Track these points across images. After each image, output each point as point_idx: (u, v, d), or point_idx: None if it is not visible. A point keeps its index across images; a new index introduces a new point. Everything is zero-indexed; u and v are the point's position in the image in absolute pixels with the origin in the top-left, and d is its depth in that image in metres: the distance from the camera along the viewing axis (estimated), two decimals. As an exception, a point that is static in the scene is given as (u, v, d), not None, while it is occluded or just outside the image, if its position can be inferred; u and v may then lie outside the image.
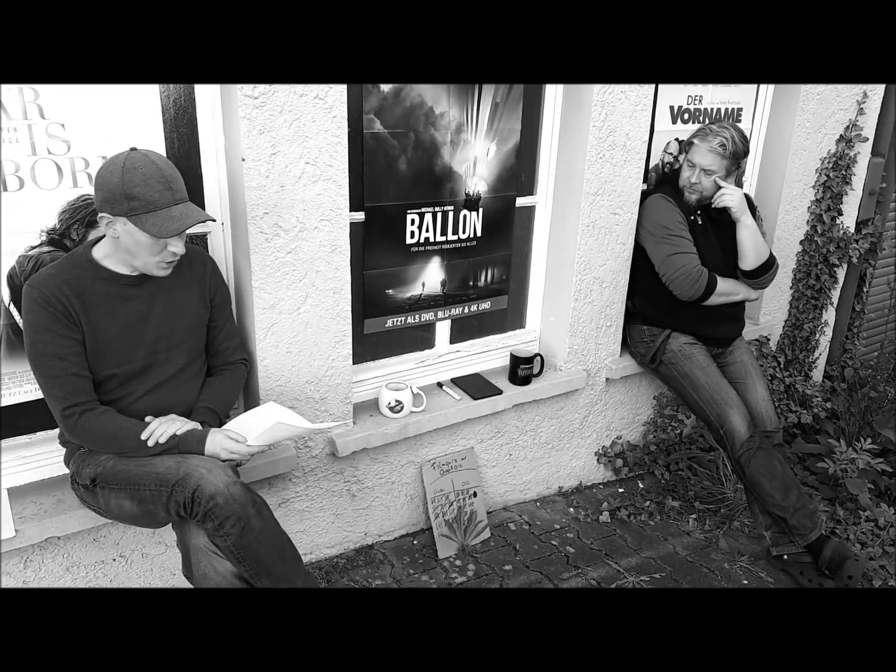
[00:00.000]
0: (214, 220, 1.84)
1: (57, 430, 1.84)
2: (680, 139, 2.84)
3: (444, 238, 2.42)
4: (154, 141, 1.83)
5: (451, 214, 2.40)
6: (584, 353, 2.75)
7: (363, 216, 2.22)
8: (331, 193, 2.00)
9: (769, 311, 3.34)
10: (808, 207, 3.24)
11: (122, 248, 1.60)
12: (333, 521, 2.40)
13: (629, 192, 2.59)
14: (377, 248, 2.29)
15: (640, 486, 2.99)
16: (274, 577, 1.64)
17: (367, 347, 2.43)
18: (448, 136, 2.29)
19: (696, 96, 2.83)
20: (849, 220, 3.39)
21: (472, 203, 2.43)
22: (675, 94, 2.77)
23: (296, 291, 2.04)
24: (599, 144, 2.44)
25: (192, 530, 1.61)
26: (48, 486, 1.93)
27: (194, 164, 1.91)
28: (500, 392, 2.55)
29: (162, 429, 1.65)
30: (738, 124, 2.76)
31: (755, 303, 3.13)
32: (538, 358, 2.65)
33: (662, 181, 2.81)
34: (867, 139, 3.25)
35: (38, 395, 1.79)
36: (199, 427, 1.70)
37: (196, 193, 1.91)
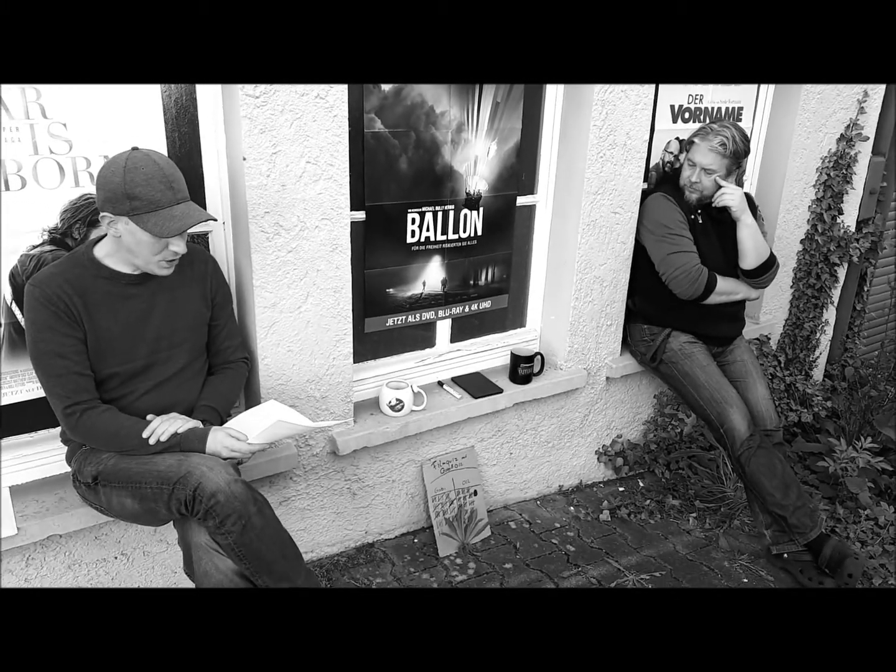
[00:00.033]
0: (216, 220, 1.84)
1: (58, 429, 1.84)
2: (680, 138, 2.84)
3: (444, 237, 2.42)
4: (155, 140, 1.84)
5: (451, 213, 2.40)
6: (584, 351, 2.75)
7: (364, 215, 2.23)
8: (331, 192, 2.01)
9: (770, 310, 3.34)
10: (809, 206, 3.24)
11: (123, 247, 1.60)
12: (334, 519, 2.40)
13: (629, 191, 2.60)
14: (378, 248, 2.30)
15: (641, 484, 2.99)
16: (275, 574, 1.65)
17: (368, 346, 2.44)
18: (449, 135, 2.30)
19: (696, 95, 2.83)
20: (849, 219, 3.39)
21: (472, 202, 2.43)
22: (676, 93, 2.77)
23: (297, 290, 2.04)
24: (600, 143, 2.45)
25: (194, 528, 1.62)
26: (50, 485, 1.94)
27: (195, 163, 1.92)
28: (500, 391, 2.56)
29: (163, 427, 1.65)
30: (739, 123, 2.76)
31: (756, 302, 3.14)
32: (538, 357, 2.66)
33: (663, 180, 2.82)
34: (868, 138, 3.25)
35: (40, 393, 1.80)
36: (201, 425, 1.70)
37: (197, 193, 1.92)
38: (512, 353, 2.63)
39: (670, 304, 2.59)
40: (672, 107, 2.78)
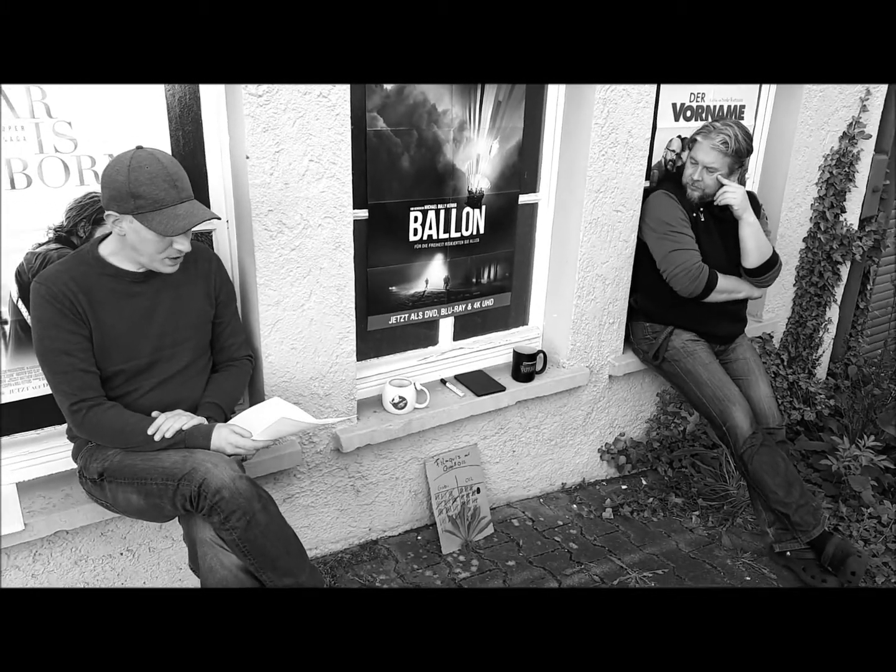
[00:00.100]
0: (220, 219, 1.86)
1: (65, 426, 1.85)
2: (682, 136, 2.85)
3: (447, 235, 2.43)
4: (159, 139, 1.85)
5: (454, 212, 2.41)
6: (586, 350, 2.76)
7: (366, 213, 2.24)
8: (334, 191, 2.02)
9: (772, 309, 3.34)
10: (812, 205, 3.24)
11: (128, 245, 1.62)
12: (338, 516, 2.42)
13: (632, 189, 2.60)
14: (380, 246, 2.31)
15: (644, 482, 3.00)
16: (279, 570, 1.66)
17: (371, 344, 2.45)
18: (451, 133, 2.31)
19: (698, 94, 2.83)
20: (852, 217, 3.39)
21: (474, 200, 2.44)
22: (678, 91, 2.77)
23: (300, 288, 2.05)
24: (602, 142, 2.45)
25: (199, 524, 1.63)
26: (56, 481, 1.96)
27: (199, 162, 1.93)
28: (503, 389, 2.57)
29: (168, 424, 1.67)
30: (742, 122, 2.77)
31: (758, 300, 3.14)
32: (541, 355, 2.66)
33: (665, 178, 2.82)
34: (870, 136, 3.25)
35: (46, 390, 1.82)
36: (205, 422, 1.72)
37: (201, 191, 1.93)
38: (514, 351, 2.64)
39: (672, 301, 2.60)
40: (674, 105, 2.79)
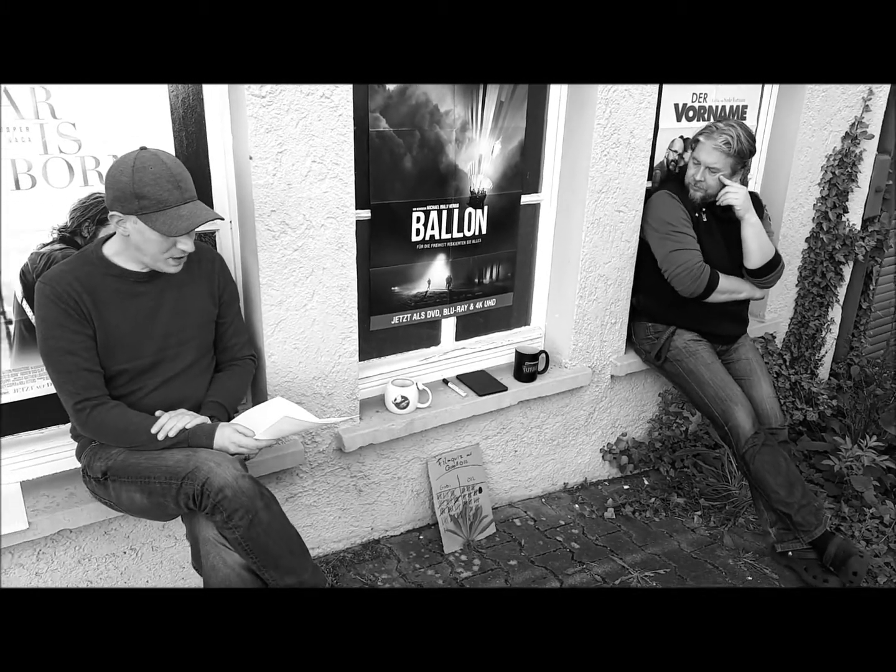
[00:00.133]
0: (223, 219, 1.87)
1: (69, 425, 1.87)
2: (685, 137, 2.85)
3: (449, 236, 2.44)
4: (163, 140, 1.86)
5: (456, 212, 2.42)
6: (588, 350, 2.76)
7: (369, 214, 2.25)
8: (337, 191, 2.03)
9: (775, 309, 3.34)
10: (814, 205, 3.24)
11: (132, 245, 1.63)
12: (340, 515, 2.42)
13: (634, 189, 2.61)
14: (383, 246, 2.31)
15: (646, 482, 3.00)
16: (281, 569, 1.67)
17: (374, 344, 2.46)
18: (453, 134, 2.31)
19: (700, 94, 2.83)
20: (855, 217, 3.39)
21: (477, 201, 2.45)
22: (680, 91, 2.78)
23: (303, 288, 2.06)
24: (604, 142, 2.46)
25: (202, 523, 1.64)
26: (60, 480, 1.97)
27: (202, 162, 1.94)
28: (505, 389, 2.57)
29: (171, 423, 1.67)
30: (744, 122, 2.77)
31: (761, 300, 3.14)
32: (543, 355, 2.67)
33: (667, 178, 2.82)
34: (873, 136, 3.25)
35: (51, 390, 1.82)
36: (209, 421, 1.72)
37: (204, 192, 1.94)
38: (517, 351, 2.64)
39: (674, 301, 2.60)
40: (676, 105, 2.79)
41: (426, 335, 2.58)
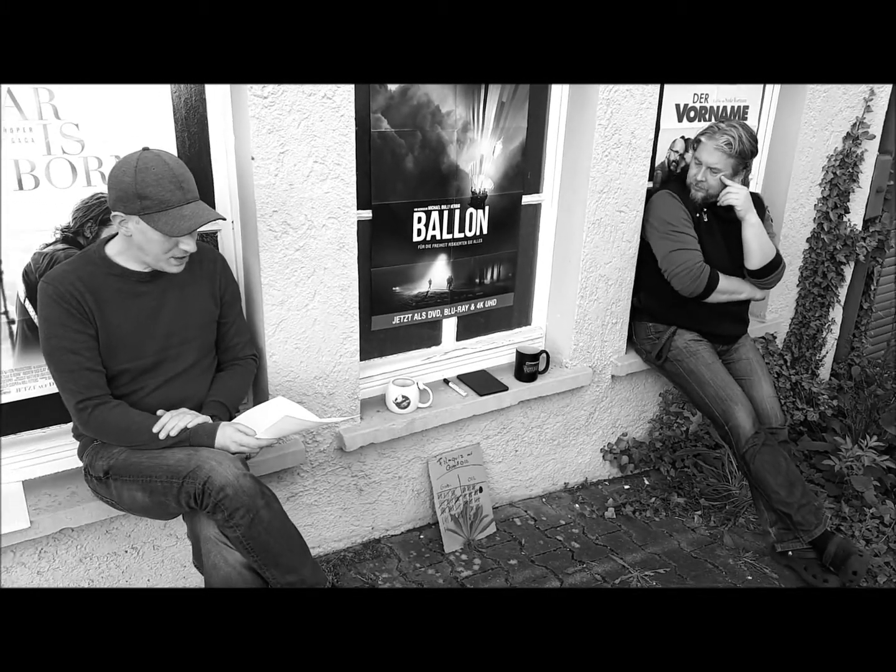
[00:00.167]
0: (224, 219, 1.87)
1: (71, 424, 1.87)
2: (686, 137, 2.85)
3: (450, 236, 2.44)
4: (165, 140, 1.87)
5: (457, 212, 2.42)
6: (589, 350, 2.77)
7: (370, 214, 2.25)
8: (338, 192, 2.03)
9: (776, 309, 3.34)
10: (815, 205, 3.25)
11: (134, 245, 1.63)
12: (341, 515, 2.43)
13: (635, 189, 2.61)
14: (384, 246, 2.32)
15: (646, 482, 3.00)
16: (282, 567, 1.68)
17: (375, 344, 2.46)
18: (454, 134, 2.32)
19: (702, 94, 2.84)
20: (856, 217, 3.39)
21: (478, 201, 2.45)
22: (681, 92, 2.78)
23: (304, 288, 2.07)
24: (605, 142, 2.46)
25: (203, 521, 1.65)
26: (62, 479, 1.97)
27: (205, 163, 1.95)
28: (505, 388, 2.58)
29: (173, 422, 1.68)
30: (747, 123, 2.77)
31: (762, 300, 3.14)
32: (544, 355, 2.67)
33: (668, 179, 2.83)
34: (874, 136, 3.25)
35: (52, 389, 1.83)
36: (210, 421, 1.73)
37: (206, 192, 1.95)
38: (517, 351, 2.65)
39: (674, 301, 2.60)
40: (677, 105, 2.80)
41: (427, 335, 2.59)
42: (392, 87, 2.15)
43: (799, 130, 3.01)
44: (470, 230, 2.48)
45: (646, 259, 2.70)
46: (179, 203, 1.57)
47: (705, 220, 2.60)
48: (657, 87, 2.55)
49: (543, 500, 2.87)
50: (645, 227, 2.68)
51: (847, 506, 2.78)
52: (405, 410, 2.38)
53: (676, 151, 2.87)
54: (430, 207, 2.36)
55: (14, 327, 1.82)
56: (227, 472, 1.58)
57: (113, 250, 1.68)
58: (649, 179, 2.70)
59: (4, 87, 1.63)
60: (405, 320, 2.46)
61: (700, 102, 2.85)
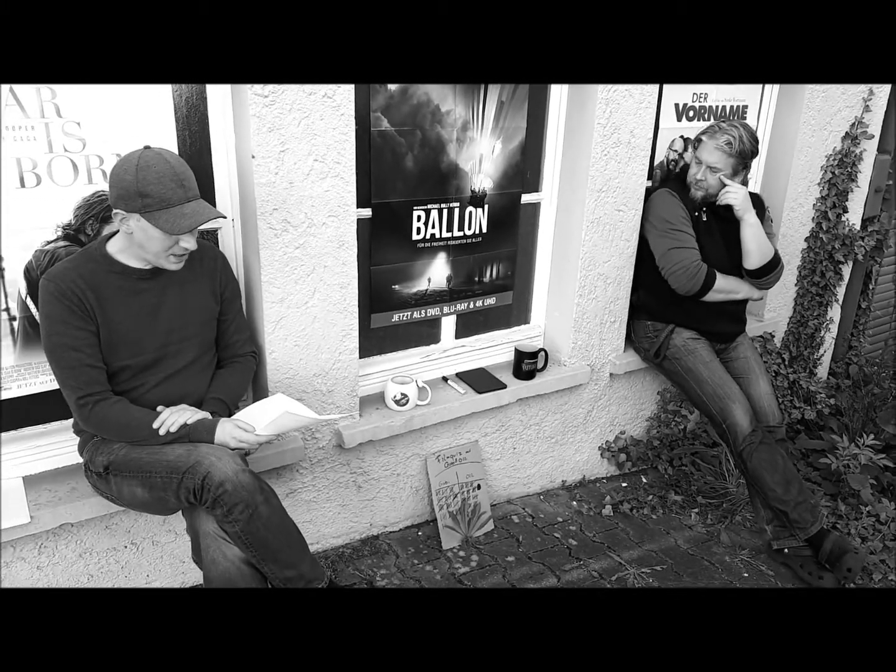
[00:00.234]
0: (225, 217, 1.88)
1: (71, 420, 1.88)
2: (685, 136, 2.86)
3: (449, 234, 2.45)
4: (166, 139, 1.87)
5: (456, 211, 2.43)
6: (588, 348, 2.78)
7: (370, 212, 2.26)
8: (338, 190, 2.04)
9: (774, 308, 3.35)
10: (814, 204, 3.25)
11: (135, 242, 1.64)
12: (340, 511, 2.44)
13: (633, 188, 2.62)
14: (384, 244, 2.33)
15: (644, 480, 3.02)
16: (280, 562, 1.69)
17: (374, 342, 2.47)
18: (454, 133, 2.32)
19: (701, 94, 2.84)
20: (854, 217, 3.40)
21: (477, 200, 2.46)
22: (681, 91, 2.79)
23: (304, 286, 2.08)
24: (604, 142, 2.47)
25: (202, 516, 1.66)
26: (62, 475, 1.99)
27: (205, 161, 1.96)
28: (504, 386, 2.59)
29: (173, 418, 1.69)
30: (748, 123, 2.77)
31: (759, 300, 3.15)
32: (542, 353, 2.68)
33: (667, 178, 2.84)
34: (873, 136, 3.26)
35: (53, 385, 1.85)
36: (210, 417, 1.74)
37: (207, 190, 1.96)
38: (516, 349, 2.66)
39: (672, 299, 2.61)
40: (676, 105, 2.80)
41: (426, 333, 2.60)
42: (392, 86, 2.16)
43: (798, 130, 3.02)
44: (469, 229, 2.49)
45: (645, 257, 2.71)
46: (180, 201, 1.58)
47: (704, 219, 2.61)
48: (656, 86, 2.56)
49: (541, 497, 2.89)
50: (644, 225, 2.69)
51: (843, 504, 2.79)
52: (404, 408, 2.40)
53: (675, 151, 2.88)
54: (429, 206, 2.37)
55: (15, 324, 1.84)
56: (227, 468, 1.59)
57: (114, 248, 1.69)
58: (648, 178, 2.71)
59: (6, 85, 1.64)
60: (404, 318, 2.48)
61: (699, 102, 2.85)
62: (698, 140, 2.56)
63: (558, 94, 2.50)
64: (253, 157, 1.88)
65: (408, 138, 2.24)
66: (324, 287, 2.12)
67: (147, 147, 1.59)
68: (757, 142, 2.52)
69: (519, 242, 2.65)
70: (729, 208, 2.56)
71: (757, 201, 2.67)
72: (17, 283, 1.80)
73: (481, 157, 2.41)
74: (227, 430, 1.69)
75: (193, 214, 1.59)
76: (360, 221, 2.20)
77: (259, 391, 2.19)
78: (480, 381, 2.61)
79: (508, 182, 2.51)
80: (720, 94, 2.90)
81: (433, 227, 2.40)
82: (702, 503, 2.85)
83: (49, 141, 1.73)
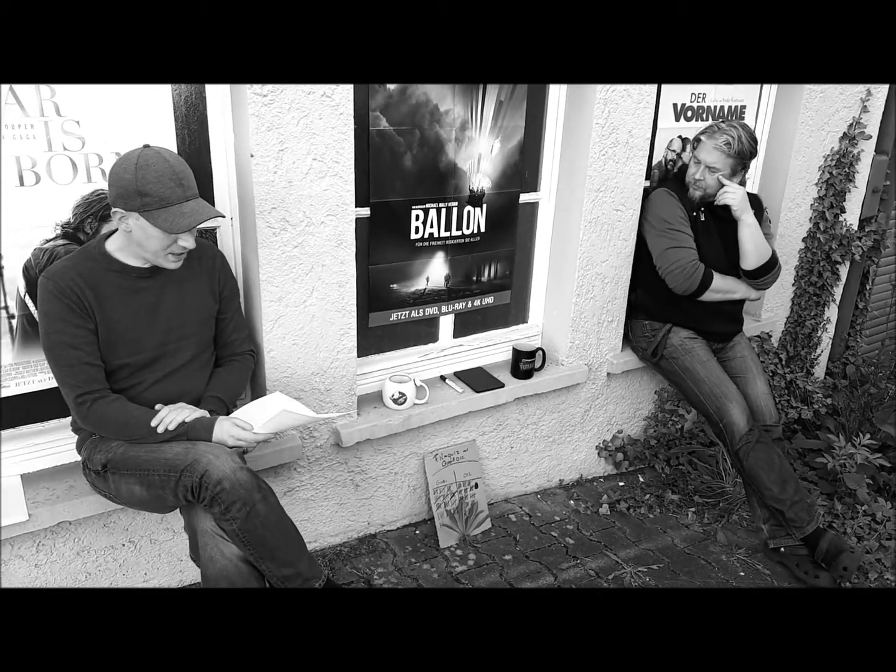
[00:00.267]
0: (224, 217, 1.88)
1: (69, 418, 1.89)
2: (683, 136, 2.87)
3: (448, 234, 2.46)
4: (166, 138, 1.88)
5: (455, 210, 2.44)
6: (585, 347, 2.79)
7: (368, 212, 2.26)
8: (337, 189, 2.04)
9: (771, 308, 3.36)
10: (811, 205, 3.26)
11: (133, 241, 1.65)
12: (337, 510, 2.45)
13: (631, 188, 2.62)
14: (382, 243, 2.33)
15: (641, 479, 3.02)
16: (278, 560, 1.69)
17: (372, 341, 2.48)
18: (453, 133, 2.33)
19: (699, 94, 2.85)
20: (852, 217, 3.41)
21: (476, 199, 2.47)
22: (679, 91, 2.79)
23: (302, 285, 2.08)
24: (602, 141, 2.48)
25: (200, 514, 1.66)
26: (60, 473, 1.99)
27: (204, 160, 1.96)
28: (502, 385, 2.59)
29: (171, 416, 1.70)
30: (747, 124, 2.77)
31: (756, 301, 3.16)
32: (540, 352, 2.69)
33: (665, 178, 2.84)
34: (871, 137, 3.26)
35: (52, 384, 1.85)
36: (208, 415, 1.75)
37: (206, 189, 1.96)
38: (514, 348, 2.67)
39: (669, 298, 2.62)
40: (675, 105, 2.81)
41: (424, 332, 2.61)
42: (391, 85, 2.16)
43: (796, 130, 3.03)
44: (467, 228, 2.49)
45: (643, 256, 2.72)
46: (179, 200, 1.58)
47: (702, 219, 2.61)
48: (654, 86, 2.57)
49: (538, 496, 2.89)
50: (642, 225, 2.69)
51: (840, 503, 2.80)
52: (402, 407, 2.40)
53: (673, 151, 2.88)
54: (427, 205, 2.37)
55: (14, 322, 1.84)
56: (224, 466, 1.60)
57: (113, 246, 1.70)
58: (646, 178, 2.71)
59: (5, 84, 1.64)
60: (402, 317, 2.48)
61: (697, 102, 2.86)
62: (697, 140, 2.56)
63: (557, 94, 2.51)
64: (252, 155, 1.88)
65: (406, 138, 2.25)
66: (322, 286, 2.12)
67: (146, 146, 1.59)
68: (756, 142, 2.52)
69: (517, 242, 2.66)
70: (727, 208, 2.57)
71: (755, 202, 2.67)
72: (15, 281, 1.81)
73: (480, 157, 2.42)
74: (225, 429, 1.70)
75: (192, 214, 1.59)
76: (358, 220, 2.20)
77: (257, 390, 2.19)
78: (478, 380, 2.62)
79: (507, 182, 2.51)
80: (718, 95, 2.91)
81: (431, 226, 2.41)
82: (699, 502, 2.86)
83: (48, 139, 1.73)
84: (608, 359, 2.86)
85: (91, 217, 1.85)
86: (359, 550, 2.48)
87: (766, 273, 2.60)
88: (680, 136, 2.87)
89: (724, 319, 2.71)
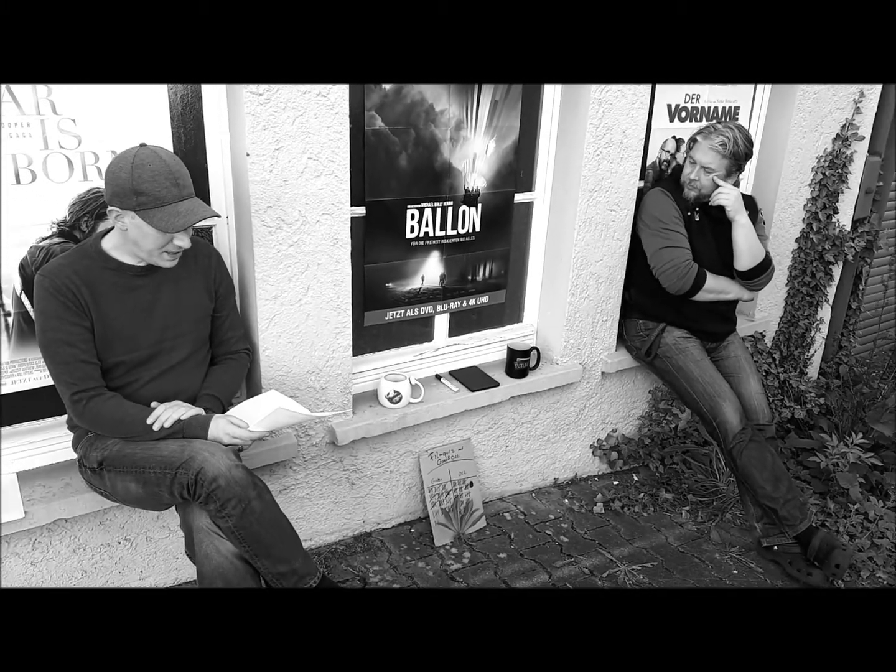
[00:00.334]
0: (219, 216, 1.89)
1: (65, 416, 1.89)
2: (677, 137, 2.88)
3: (443, 233, 2.47)
4: (162, 136, 1.88)
5: (450, 210, 2.45)
6: (580, 347, 2.80)
7: (364, 211, 2.27)
8: (332, 188, 2.05)
9: (764, 308, 3.38)
10: (804, 205, 3.28)
11: (129, 239, 1.65)
12: (333, 508, 2.45)
13: (626, 188, 2.64)
14: (377, 242, 2.34)
15: (635, 478, 3.04)
16: (273, 557, 1.70)
17: (367, 339, 2.49)
18: (448, 132, 2.34)
19: (693, 95, 2.87)
20: (845, 218, 3.43)
21: (471, 199, 2.48)
22: (673, 92, 2.81)
23: (298, 283, 2.09)
24: (596, 142, 2.49)
25: (195, 512, 1.67)
26: (56, 471, 1.99)
27: (200, 159, 1.97)
28: (496, 384, 2.61)
29: (167, 414, 1.70)
30: (743, 125, 2.79)
31: (750, 301, 3.17)
32: (535, 351, 2.70)
33: (659, 178, 2.86)
34: (863, 138, 3.29)
35: (48, 381, 1.85)
36: (203, 413, 1.75)
37: (202, 188, 1.96)
38: (508, 347, 2.68)
39: (663, 298, 2.64)
40: (669, 106, 2.82)
41: (419, 331, 2.62)
42: (386, 85, 2.17)
43: (789, 131, 3.05)
44: (463, 227, 2.50)
45: (637, 256, 2.73)
46: (175, 200, 1.59)
47: (697, 219, 2.63)
48: (648, 87, 2.58)
49: (533, 494, 2.90)
50: (637, 224, 2.71)
51: (832, 502, 2.82)
52: (397, 405, 2.41)
53: (667, 151, 2.90)
54: (423, 205, 2.38)
55: (10, 320, 1.84)
56: (220, 463, 1.61)
57: (108, 244, 1.70)
58: (640, 179, 2.73)
59: (3, 84, 1.65)
60: (398, 316, 2.49)
61: (691, 103, 2.87)
62: (693, 140, 2.58)
63: (551, 94, 2.52)
64: (247, 154, 1.89)
65: (402, 137, 2.26)
66: (317, 285, 2.13)
67: (143, 145, 1.60)
68: (751, 144, 2.54)
69: (512, 241, 2.67)
70: (721, 209, 2.58)
71: (750, 203, 2.69)
72: (11, 279, 1.81)
73: (475, 157, 2.43)
74: (221, 426, 1.70)
75: (188, 213, 1.60)
76: (353, 219, 2.21)
77: (253, 388, 2.20)
78: (473, 379, 2.63)
79: (502, 181, 2.52)
80: (712, 95, 2.92)
81: (427, 225, 2.42)
82: (692, 501, 2.88)
83: (44, 137, 1.74)
84: (602, 358, 2.88)
85: (87, 215, 1.85)
86: (354, 548, 2.49)
87: (759, 274, 2.62)
88: (674, 137, 2.89)
89: (718, 319, 2.73)
